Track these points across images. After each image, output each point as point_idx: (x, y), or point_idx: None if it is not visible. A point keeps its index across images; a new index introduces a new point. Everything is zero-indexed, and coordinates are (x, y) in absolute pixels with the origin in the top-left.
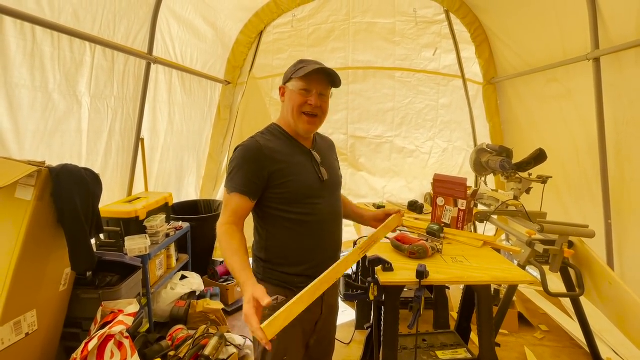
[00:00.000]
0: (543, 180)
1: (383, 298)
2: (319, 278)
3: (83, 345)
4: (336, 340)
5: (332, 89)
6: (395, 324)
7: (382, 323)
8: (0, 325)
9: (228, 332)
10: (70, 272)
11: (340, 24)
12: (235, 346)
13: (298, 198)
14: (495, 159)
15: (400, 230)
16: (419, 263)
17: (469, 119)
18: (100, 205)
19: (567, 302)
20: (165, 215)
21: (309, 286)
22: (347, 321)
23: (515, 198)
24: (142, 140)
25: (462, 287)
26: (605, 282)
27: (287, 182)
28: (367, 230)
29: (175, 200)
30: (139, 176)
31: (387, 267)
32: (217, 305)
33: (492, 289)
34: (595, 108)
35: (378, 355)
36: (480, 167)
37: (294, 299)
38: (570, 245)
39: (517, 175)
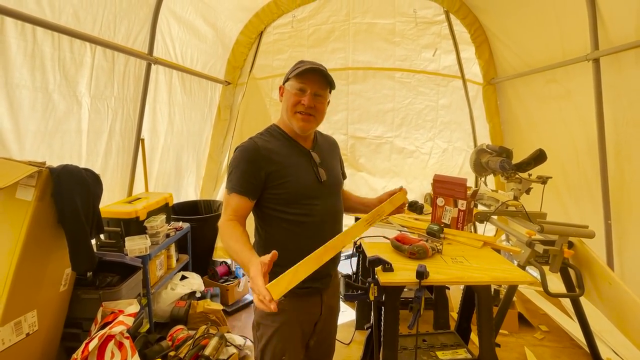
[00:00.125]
0: (543, 180)
1: (383, 298)
2: (324, 245)
3: (83, 345)
4: (336, 341)
5: (331, 91)
6: (395, 324)
7: (382, 323)
8: (1, 326)
9: (228, 332)
10: (70, 273)
11: (340, 24)
12: (236, 346)
13: (296, 199)
14: (495, 160)
15: (400, 231)
16: (419, 263)
17: (469, 119)
18: (101, 206)
19: (567, 302)
20: (165, 216)
21: (315, 252)
22: (347, 321)
23: (515, 198)
24: (143, 140)
25: (462, 287)
26: (605, 283)
27: (284, 183)
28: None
29: (175, 201)
30: (139, 176)
31: (387, 267)
32: (217, 305)
33: (492, 290)
34: (594, 109)
35: (378, 356)
36: (480, 168)
37: (300, 262)
38: (570, 245)
39: (517, 176)
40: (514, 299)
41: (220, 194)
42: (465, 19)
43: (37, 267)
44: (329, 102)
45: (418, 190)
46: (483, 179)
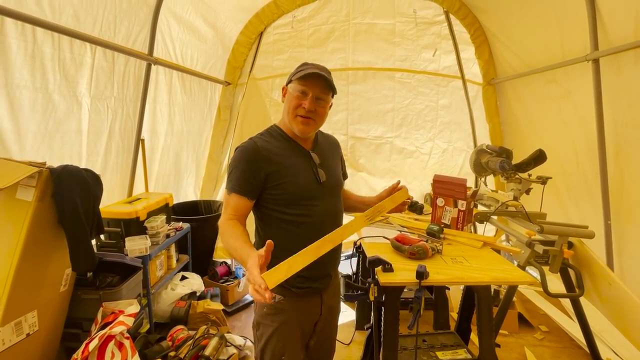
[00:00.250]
0: (543, 181)
1: (383, 298)
2: (323, 237)
3: (83, 345)
4: (336, 341)
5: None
6: (395, 325)
7: (382, 323)
8: (1, 326)
9: (228, 332)
10: (70, 273)
11: (340, 24)
12: (236, 347)
13: (294, 199)
14: (495, 160)
15: (400, 231)
16: (419, 264)
17: (469, 119)
18: (101, 206)
19: (567, 302)
20: (165, 216)
21: (313, 244)
22: (347, 321)
23: (515, 199)
24: (143, 141)
25: (462, 287)
26: (605, 283)
27: (283, 184)
28: (367, 231)
29: (175, 201)
30: (139, 177)
31: (387, 267)
32: (217, 305)
33: (492, 290)
34: (594, 109)
35: (378, 356)
36: (480, 168)
37: (297, 253)
38: (570, 245)
39: (516, 176)
40: (514, 299)
41: (220, 194)
42: (465, 19)
43: (38, 268)
44: (331, 106)
45: (418, 190)
46: (483, 179)
